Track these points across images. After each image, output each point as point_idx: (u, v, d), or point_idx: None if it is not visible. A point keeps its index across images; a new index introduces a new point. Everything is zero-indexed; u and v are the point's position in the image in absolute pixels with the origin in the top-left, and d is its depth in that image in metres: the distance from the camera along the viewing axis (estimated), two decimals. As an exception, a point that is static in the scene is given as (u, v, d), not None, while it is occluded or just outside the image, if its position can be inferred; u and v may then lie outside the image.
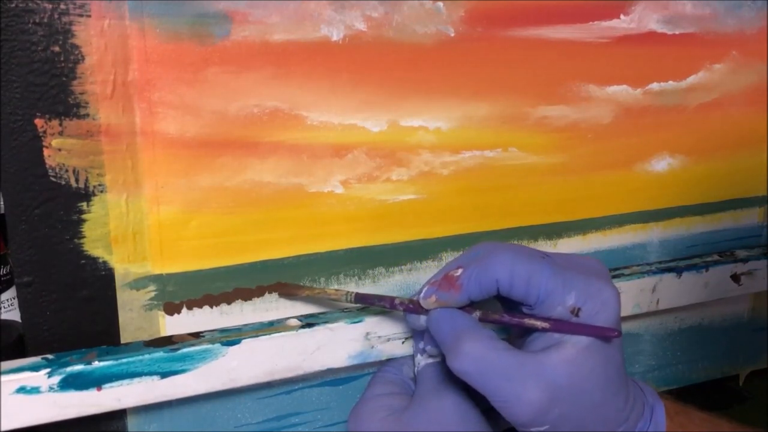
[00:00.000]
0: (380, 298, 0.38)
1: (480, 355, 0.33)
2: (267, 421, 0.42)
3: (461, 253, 0.38)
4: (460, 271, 0.35)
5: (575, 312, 0.34)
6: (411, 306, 0.37)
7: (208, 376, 0.36)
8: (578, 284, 0.34)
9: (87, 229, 0.35)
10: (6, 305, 0.50)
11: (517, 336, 0.38)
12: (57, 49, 0.33)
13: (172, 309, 0.38)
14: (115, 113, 0.34)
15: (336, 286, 0.42)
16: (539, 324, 0.34)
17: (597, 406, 0.34)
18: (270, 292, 0.40)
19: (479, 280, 0.34)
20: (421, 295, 0.36)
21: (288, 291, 0.40)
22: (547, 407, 0.32)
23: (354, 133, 0.40)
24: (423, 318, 0.37)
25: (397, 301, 0.38)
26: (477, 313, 0.36)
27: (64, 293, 0.36)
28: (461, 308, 0.36)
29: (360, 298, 0.39)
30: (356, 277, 0.42)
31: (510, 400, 0.32)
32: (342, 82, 0.38)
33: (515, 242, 0.46)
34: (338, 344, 0.39)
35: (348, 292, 0.39)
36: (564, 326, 0.34)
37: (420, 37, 0.40)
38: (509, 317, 0.35)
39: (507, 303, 0.37)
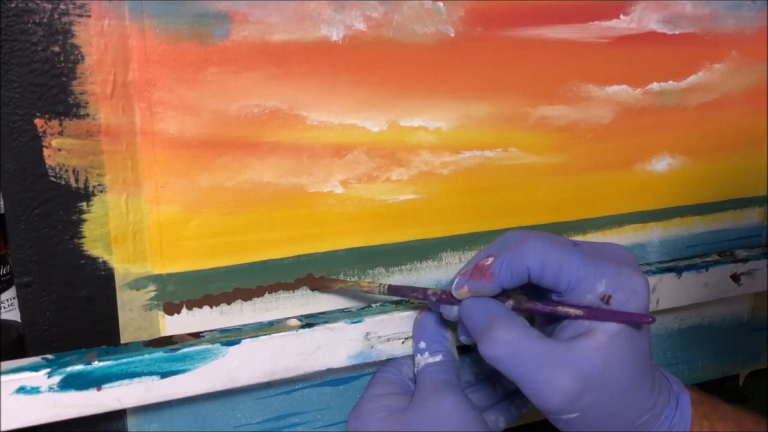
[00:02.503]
0: (413, 289, 0.38)
1: (512, 341, 0.33)
2: (267, 421, 0.42)
3: (491, 242, 0.38)
4: (491, 260, 0.35)
5: (606, 300, 0.34)
6: (444, 297, 0.37)
7: (208, 376, 0.36)
8: (608, 272, 0.34)
9: (87, 229, 0.35)
10: (6, 305, 0.50)
11: (542, 324, 0.38)
12: (57, 49, 0.33)
13: (172, 309, 0.38)
14: (115, 113, 0.34)
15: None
16: (573, 312, 0.34)
17: (626, 393, 0.34)
18: (301, 287, 0.41)
19: (511, 268, 0.34)
20: (453, 285, 0.36)
21: (320, 284, 0.41)
22: (578, 394, 0.33)
23: (354, 133, 0.40)
24: (456, 308, 0.37)
25: (430, 292, 0.38)
26: (510, 302, 0.35)
27: (64, 293, 0.36)
28: (493, 297, 0.36)
29: (393, 290, 0.39)
30: (356, 277, 0.42)
31: (541, 387, 0.33)
32: (342, 82, 0.38)
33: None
34: (338, 344, 0.39)
35: (381, 284, 0.39)
36: (598, 314, 0.34)
37: (420, 37, 0.40)
38: (542, 305, 0.35)
39: (534, 292, 0.37)
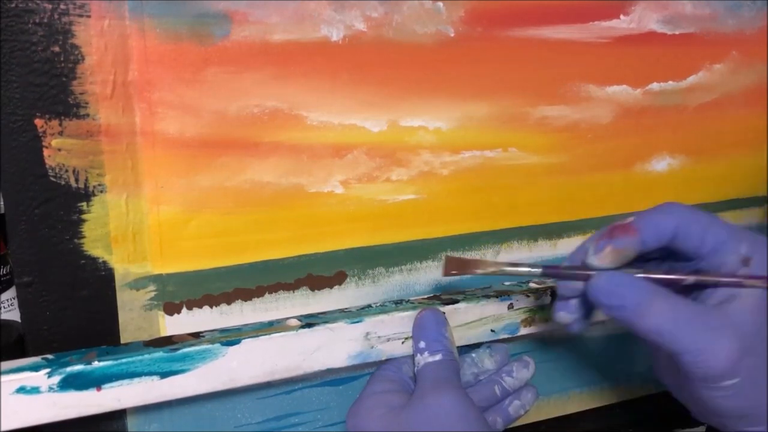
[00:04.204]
0: (568, 269, 0.36)
1: (671, 311, 0.33)
2: (267, 421, 0.42)
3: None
4: (631, 219, 0.34)
5: (746, 262, 0.34)
6: (577, 273, 0.35)
7: (208, 376, 0.36)
8: (747, 236, 0.34)
9: (87, 229, 0.35)
10: (6, 305, 0.51)
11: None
12: (57, 49, 0.33)
13: (172, 309, 0.38)
14: (115, 113, 0.34)
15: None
16: (758, 283, 0.33)
17: None
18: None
19: (656, 225, 0.34)
20: (591, 251, 0.35)
21: (459, 266, 0.38)
22: (738, 356, 0.32)
23: (354, 133, 0.40)
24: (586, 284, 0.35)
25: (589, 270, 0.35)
26: (691, 279, 0.34)
27: (64, 293, 0.36)
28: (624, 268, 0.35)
29: (547, 273, 0.36)
30: (356, 277, 0.42)
31: (704, 352, 0.32)
32: (342, 82, 0.38)
33: (515, 242, 0.46)
34: (338, 344, 0.39)
35: (531, 268, 0.36)
36: None
37: (420, 37, 0.40)
38: (721, 276, 0.34)
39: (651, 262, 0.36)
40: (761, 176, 0.54)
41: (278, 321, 0.40)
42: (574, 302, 0.37)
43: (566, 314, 0.37)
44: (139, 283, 0.37)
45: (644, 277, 0.34)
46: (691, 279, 0.34)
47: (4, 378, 0.32)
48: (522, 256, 0.47)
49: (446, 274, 0.38)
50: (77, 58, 0.33)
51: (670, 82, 0.48)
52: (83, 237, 0.35)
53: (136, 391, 0.35)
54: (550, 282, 0.45)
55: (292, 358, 0.38)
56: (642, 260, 0.36)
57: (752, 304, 0.33)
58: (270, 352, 0.37)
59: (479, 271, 0.37)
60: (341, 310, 0.41)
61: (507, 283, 0.45)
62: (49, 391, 0.33)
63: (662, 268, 0.36)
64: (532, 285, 0.44)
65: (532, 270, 0.36)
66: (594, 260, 0.35)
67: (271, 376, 0.38)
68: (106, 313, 0.37)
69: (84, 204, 0.35)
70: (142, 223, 0.36)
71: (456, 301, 0.42)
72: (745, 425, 0.35)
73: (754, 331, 0.33)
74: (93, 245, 0.35)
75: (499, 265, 0.37)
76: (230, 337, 0.37)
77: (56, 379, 0.33)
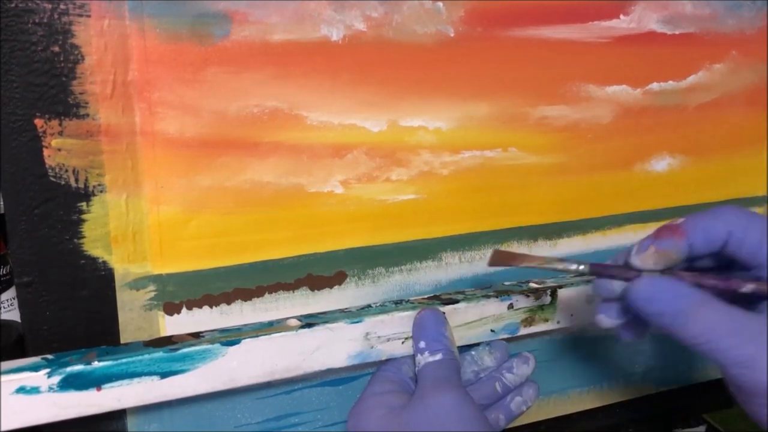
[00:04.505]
0: (617, 268, 0.34)
1: (715, 319, 0.31)
2: (267, 421, 0.42)
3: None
4: (680, 220, 0.33)
5: None
6: (623, 272, 0.33)
7: (207, 376, 0.36)
8: None
9: (87, 229, 0.35)
10: (6, 305, 0.50)
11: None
12: (57, 49, 0.33)
13: (171, 309, 0.38)
14: (114, 113, 0.34)
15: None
16: None
17: None
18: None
19: (707, 229, 0.32)
20: (634, 250, 0.33)
21: (505, 259, 0.37)
22: None
23: (354, 133, 0.40)
24: (625, 285, 0.33)
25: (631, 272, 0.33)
26: (749, 287, 0.32)
27: (64, 293, 0.36)
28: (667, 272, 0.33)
29: (595, 271, 0.34)
30: (356, 277, 0.42)
31: (750, 366, 0.30)
32: (342, 82, 0.38)
33: (515, 242, 0.46)
34: (338, 344, 0.39)
35: (578, 265, 0.35)
36: None
37: (420, 37, 0.40)
38: None
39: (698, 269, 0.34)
40: (761, 176, 0.54)
41: (278, 321, 0.40)
42: (616, 306, 0.35)
43: (606, 318, 0.35)
44: (139, 283, 0.37)
45: (689, 282, 0.32)
46: (749, 287, 0.32)
47: (4, 378, 0.32)
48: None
49: (491, 264, 0.37)
50: (77, 58, 0.33)
51: (670, 82, 0.48)
52: (83, 237, 0.35)
53: (136, 391, 0.35)
54: (550, 282, 0.45)
55: (292, 358, 0.38)
56: (699, 269, 0.34)
57: None
58: (270, 352, 0.37)
59: (526, 264, 0.36)
60: (341, 310, 0.41)
61: (507, 283, 0.45)
62: (49, 391, 0.33)
63: (714, 274, 0.34)
64: (532, 285, 0.44)
65: (580, 267, 0.35)
66: (636, 260, 0.33)
67: (271, 376, 0.38)
68: (106, 313, 0.37)
69: (84, 204, 0.35)
70: (142, 223, 0.36)
71: (456, 301, 0.42)
72: None
73: None
74: (93, 245, 0.35)
75: (548, 261, 0.36)
76: (230, 337, 0.37)
77: (56, 379, 0.33)
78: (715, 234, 0.32)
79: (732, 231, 0.32)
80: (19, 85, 0.32)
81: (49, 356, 0.34)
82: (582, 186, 0.47)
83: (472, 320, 0.42)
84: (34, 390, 0.33)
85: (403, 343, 0.41)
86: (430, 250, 0.44)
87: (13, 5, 0.31)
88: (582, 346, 0.51)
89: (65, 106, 0.33)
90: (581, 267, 0.35)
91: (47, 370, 0.33)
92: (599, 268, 0.34)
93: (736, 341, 0.30)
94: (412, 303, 0.42)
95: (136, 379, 0.34)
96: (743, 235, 0.32)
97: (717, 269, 0.33)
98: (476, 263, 0.45)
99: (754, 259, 0.32)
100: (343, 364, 0.39)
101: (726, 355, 0.31)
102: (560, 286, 0.44)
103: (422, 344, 0.39)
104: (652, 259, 0.32)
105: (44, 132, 0.33)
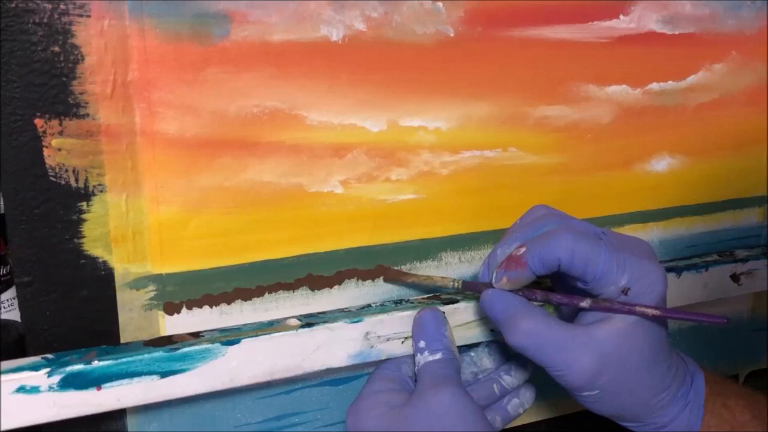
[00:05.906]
0: (482, 284, 0.40)
1: (535, 330, 0.36)
2: (267, 421, 0.42)
3: (519, 221, 0.41)
4: (522, 250, 0.38)
5: (625, 291, 0.37)
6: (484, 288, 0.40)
7: (207, 376, 0.36)
8: (631, 266, 0.37)
9: (87, 228, 0.35)
10: (6, 305, 0.50)
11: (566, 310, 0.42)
12: (57, 49, 0.33)
13: (171, 309, 0.38)
14: (114, 113, 0.34)
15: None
16: (650, 312, 0.36)
17: (642, 374, 0.37)
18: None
19: (543, 259, 0.37)
20: (493, 279, 0.39)
21: (392, 276, 0.43)
22: (596, 373, 0.36)
23: (353, 133, 0.40)
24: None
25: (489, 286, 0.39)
26: (587, 301, 0.37)
27: (64, 293, 0.36)
28: (529, 288, 0.39)
29: (467, 286, 0.41)
30: (356, 278, 0.42)
31: (565, 369, 0.36)
32: (342, 82, 0.39)
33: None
34: (338, 344, 0.39)
35: (454, 280, 0.41)
36: (673, 313, 0.38)
37: (420, 37, 0.40)
38: (619, 305, 0.37)
39: (559, 278, 0.40)
40: (761, 176, 0.54)
41: (278, 321, 0.40)
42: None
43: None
44: (139, 283, 0.37)
45: (520, 296, 0.38)
46: (586, 302, 0.37)
47: (4, 378, 0.32)
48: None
49: (386, 281, 0.43)
50: (77, 58, 0.33)
51: (670, 82, 0.48)
52: (83, 237, 0.35)
53: (136, 391, 0.35)
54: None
55: (291, 358, 0.38)
56: (569, 282, 0.39)
57: (619, 327, 0.36)
58: (270, 351, 0.37)
59: (412, 280, 0.42)
60: (341, 310, 0.41)
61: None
62: (49, 390, 0.33)
63: (562, 292, 0.39)
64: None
65: (455, 284, 0.41)
66: (495, 285, 0.39)
67: (271, 376, 0.38)
68: (106, 313, 0.37)
69: (84, 204, 0.35)
70: (141, 223, 0.36)
71: (456, 301, 0.42)
72: (621, 422, 0.39)
73: (614, 351, 0.36)
74: (93, 245, 0.36)
75: (429, 278, 0.42)
76: (230, 336, 0.37)
77: (56, 378, 0.33)
78: (550, 262, 0.37)
79: (562, 257, 0.36)
80: (19, 85, 0.32)
81: (49, 356, 0.34)
82: (582, 186, 0.47)
83: (472, 320, 0.42)
84: (34, 389, 0.33)
85: (402, 342, 0.41)
86: (429, 250, 0.44)
87: (13, 5, 0.31)
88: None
89: (65, 106, 0.33)
90: (456, 284, 0.41)
91: (47, 369, 0.33)
92: (469, 285, 0.41)
93: (553, 349, 0.36)
94: (412, 303, 0.42)
95: (136, 379, 0.35)
96: (571, 261, 0.36)
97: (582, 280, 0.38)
98: (476, 263, 0.45)
99: (583, 276, 0.37)
100: (343, 363, 0.39)
101: (545, 361, 0.37)
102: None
103: (422, 344, 0.39)
104: (507, 286, 0.38)
105: (44, 132, 0.33)
